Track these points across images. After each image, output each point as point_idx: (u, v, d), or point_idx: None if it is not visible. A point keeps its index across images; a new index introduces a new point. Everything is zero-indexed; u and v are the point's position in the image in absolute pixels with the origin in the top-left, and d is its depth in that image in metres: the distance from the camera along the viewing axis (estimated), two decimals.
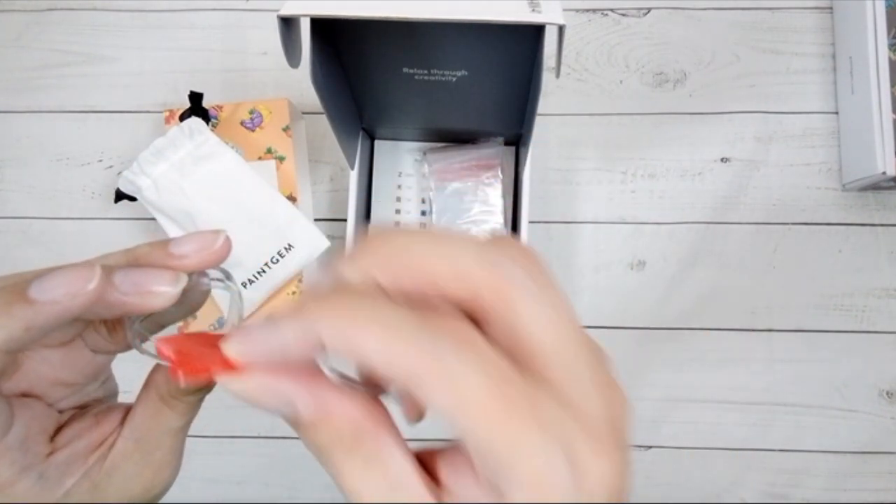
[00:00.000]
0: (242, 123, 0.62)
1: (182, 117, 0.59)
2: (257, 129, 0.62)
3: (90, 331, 0.25)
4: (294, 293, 0.61)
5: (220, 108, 0.62)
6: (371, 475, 0.19)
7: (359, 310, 0.17)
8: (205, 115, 0.60)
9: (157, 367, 0.25)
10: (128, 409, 0.25)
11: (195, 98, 0.59)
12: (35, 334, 0.21)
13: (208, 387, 0.25)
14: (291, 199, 0.61)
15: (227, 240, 0.22)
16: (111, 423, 0.25)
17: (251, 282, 0.59)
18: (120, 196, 0.60)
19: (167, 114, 0.62)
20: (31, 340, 0.21)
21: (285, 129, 0.62)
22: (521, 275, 0.18)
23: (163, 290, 0.22)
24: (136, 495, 0.25)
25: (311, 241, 0.59)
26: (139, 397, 0.25)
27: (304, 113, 0.68)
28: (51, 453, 0.24)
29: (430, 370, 0.17)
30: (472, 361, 0.17)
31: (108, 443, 0.25)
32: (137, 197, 0.59)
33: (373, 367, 0.17)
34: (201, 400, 0.26)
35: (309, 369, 0.19)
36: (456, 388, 0.17)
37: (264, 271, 0.58)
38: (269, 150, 0.62)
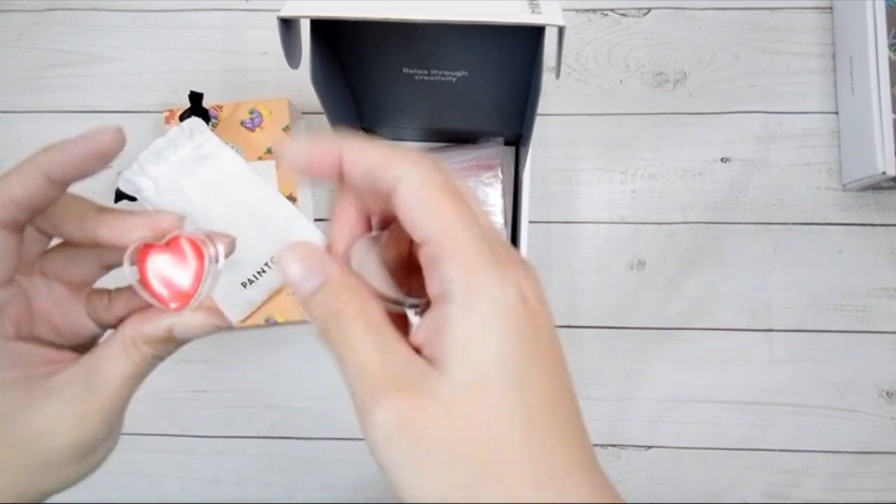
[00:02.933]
0: (242, 123, 0.62)
1: (182, 117, 0.59)
2: (257, 129, 0.62)
3: (94, 297, 0.29)
4: (294, 292, 0.61)
5: (220, 108, 0.62)
6: (368, 335, 0.22)
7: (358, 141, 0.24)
8: (205, 115, 0.60)
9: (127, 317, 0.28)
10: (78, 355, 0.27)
11: (195, 98, 0.59)
12: (67, 161, 0.25)
13: (168, 343, 0.27)
14: (291, 199, 0.61)
15: (116, 132, 0.26)
16: (68, 355, 0.27)
17: (251, 281, 0.58)
18: (120, 196, 0.60)
19: (167, 114, 0.62)
20: (65, 168, 0.25)
21: (285, 129, 0.62)
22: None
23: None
24: (63, 434, 0.25)
25: (312, 241, 0.59)
26: (104, 340, 0.27)
27: (304, 113, 0.68)
28: (12, 339, 0.26)
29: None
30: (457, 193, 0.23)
31: (57, 366, 0.26)
32: (137, 197, 0.59)
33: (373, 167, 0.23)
34: (158, 358, 0.28)
35: (331, 257, 0.24)
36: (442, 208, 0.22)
37: (264, 271, 0.58)
38: (269, 151, 0.62)
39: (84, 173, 0.26)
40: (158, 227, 0.27)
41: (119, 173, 0.68)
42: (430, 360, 0.22)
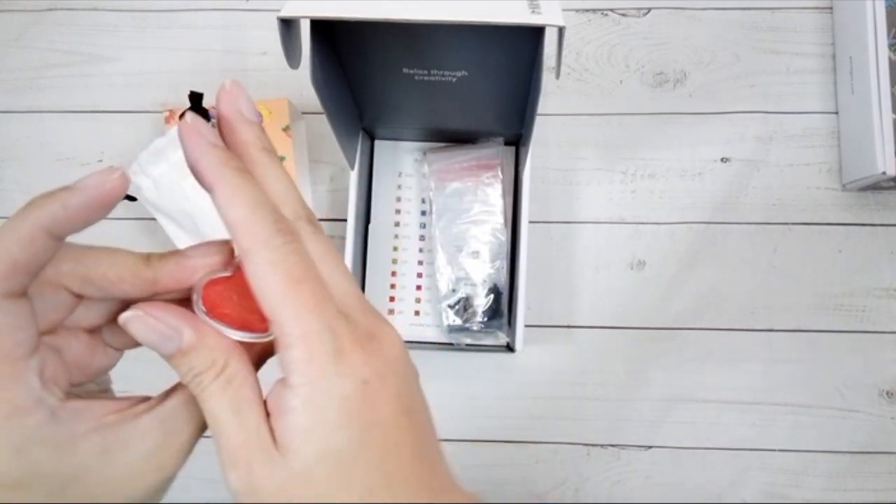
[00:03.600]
0: None
1: (182, 117, 0.59)
2: None
3: (110, 328, 0.27)
4: None
5: None
6: (225, 396, 0.23)
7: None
8: (205, 114, 0.60)
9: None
10: (138, 399, 0.26)
11: (195, 98, 0.59)
12: (72, 214, 0.23)
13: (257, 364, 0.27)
14: None
15: (123, 176, 0.24)
16: (122, 402, 0.26)
17: None
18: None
19: (167, 113, 0.62)
20: (68, 222, 0.23)
21: (285, 129, 0.62)
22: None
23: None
24: (145, 481, 0.25)
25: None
26: (176, 385, 0.26)
27: (304, 113, 0.68)
28: (65, 399, 0.24)
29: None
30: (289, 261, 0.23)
31: (125, 414, 0.25)
32: (137, 197, 0.59)
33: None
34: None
35: (189, 313, 0.24)
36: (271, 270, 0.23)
37: None
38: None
39: (88, 224, 0.24)
40: (220, 262, 0.26)
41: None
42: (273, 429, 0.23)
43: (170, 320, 0.24)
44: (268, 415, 0.23)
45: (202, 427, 0.26)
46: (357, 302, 0.25)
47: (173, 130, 0.56)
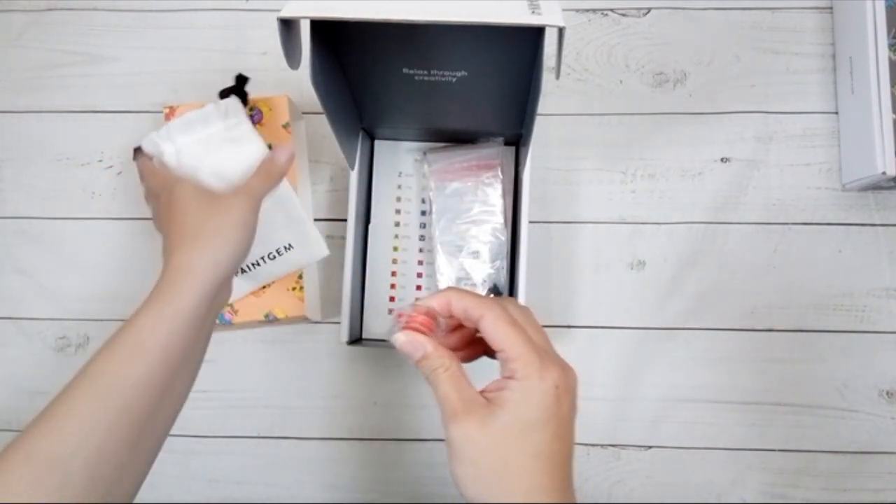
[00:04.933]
0: None
1: (223, 95, 0.56)
2: (257, 125, 0.62)
3: None
4: (294, 289, 0.61)
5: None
6: (451, 380, 0.37)
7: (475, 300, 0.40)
8: (244, 98, 0.57)
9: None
10: None
11: (241, 80, 0.57)
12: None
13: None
14: None
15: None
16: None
17: (243, 271, 0.58)
18: (139, 152, 0.57)
19: (167, 111, 0.62)
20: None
21: (285, 126, 0.62)
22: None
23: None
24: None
25: (311, 247, 0.59)
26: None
27: (304, 113, 0.68)
28: None
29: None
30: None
31: None
32: (156, 158, 0.56)
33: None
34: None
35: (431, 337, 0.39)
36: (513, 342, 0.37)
37: (259, 264, 0.58)
38: (268, 147, 0.62)
39: None
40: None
41: (119, 173, 0.68)
42: (489, 402, 0.37)
43: (420, 339, 0.39)
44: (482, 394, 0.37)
45: None
46: (549, 347, 0.40)
47: (209, 106, 0.54)
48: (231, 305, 0.61)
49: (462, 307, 0.39)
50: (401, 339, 0.39)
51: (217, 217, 0.47)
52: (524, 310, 0.41)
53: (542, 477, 0.37)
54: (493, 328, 0.38)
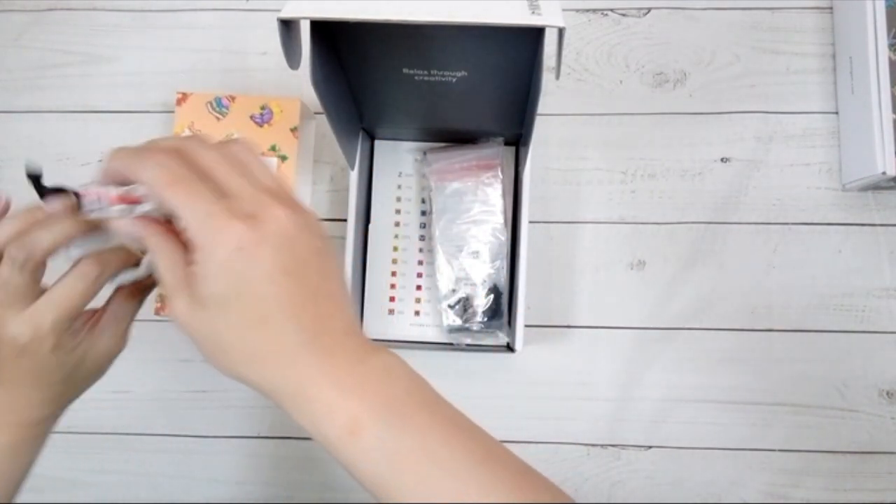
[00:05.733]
0: (252, 117, 0.62)
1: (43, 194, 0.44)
2: (265, 124, 0.62)
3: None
4: None
5: (232, 98, 0.62)
6: (168, 256, 0.34)
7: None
8: (42, 191, 0.44)
9: (119, 288, 0.42)
10: (91, 312, 0.41)
11: (34, 178, 0.44)
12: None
13: (148, 288, 0.42)
14: None
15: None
16: (89, 313, 0.41)
17: None
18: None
19: (179, 96, 0.62)
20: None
21: (293, 130, 0.62)
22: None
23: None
24: (111, 353, 0.42)
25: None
26: (111, 298, 0.42)
27: None
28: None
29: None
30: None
31: (94, 318, 0.41)
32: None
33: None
34: (141, 301, 0.42)
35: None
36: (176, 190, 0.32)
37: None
38: (272, 148, 0.62)
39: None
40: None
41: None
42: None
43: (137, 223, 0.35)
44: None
45: (132, 314, 0.42)
46: (247, 191, 0.33)
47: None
48: None
49: (117, 173, 0.35)
50: (119, 225, 0.35)
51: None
52: (221, 147, 0.35)
53: (265, 345, 0.32)
54: (155, 195, 0.32)
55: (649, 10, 0.68)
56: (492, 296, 0.61)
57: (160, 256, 0.34)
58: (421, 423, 0.34)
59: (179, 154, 0.33)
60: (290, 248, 0.32)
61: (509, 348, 0.60)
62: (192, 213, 0.31)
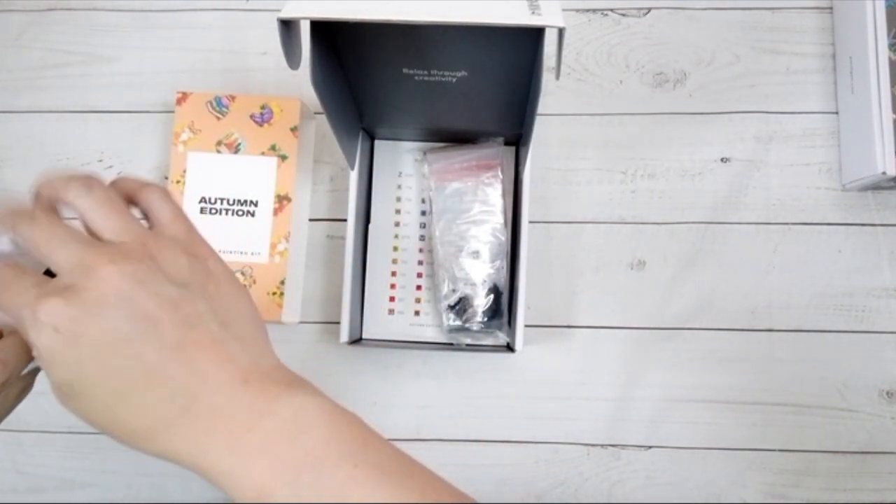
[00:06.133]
0: (252, 117, 0.62)
1: None
2: (265, 124, 0.62)
3: None
4: (274, 294, 0.61)
5: (232, 98, 0.62)
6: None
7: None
8: None
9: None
10: None
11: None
12: None
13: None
14: (286, 198, 0.61)
15: None
16: None
17: None
18: None
19: (179, 95, 0.62)
20: None
21: (293, 130, 0.62)
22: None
23: None
24: (19, 400, 0.35)
25: None
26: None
27: None
28: None
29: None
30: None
31: None
32: None
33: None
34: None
35: None
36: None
37: None
38: (272, 147, 0.62)
39: None
40: None
41: (119, 173, 0.68)
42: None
43: None
44: None
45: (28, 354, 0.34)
46: (71, 256, 0.29)
47: None
48: None
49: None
50: None
51: None
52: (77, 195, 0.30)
53: (137, 421, 0.29)
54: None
55: (649, 10, 0.68)
56: (492, 296, 0.61)
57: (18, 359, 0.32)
58: (341, 478, 0.29)
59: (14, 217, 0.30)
60: (126, 309, 0.28)
61: (509, 348, 0.60)
62: (8, 308, 0.29)
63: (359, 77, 0.53)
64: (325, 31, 0.45)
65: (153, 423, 0.29)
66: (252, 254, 0.61)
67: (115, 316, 0.28)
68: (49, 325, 0.27)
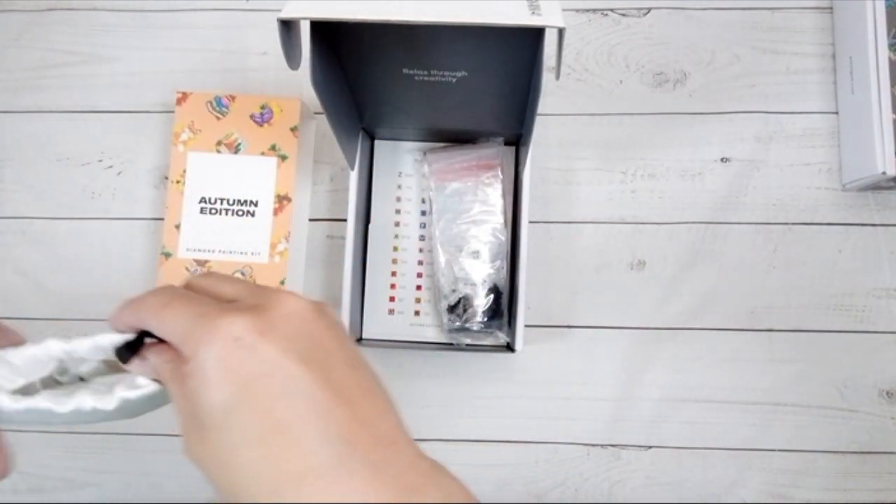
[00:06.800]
0: (252, 117, 0.62)
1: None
2: (265, 124, 0.62)
3: None
4: None
5: (232, 98, 0.62)
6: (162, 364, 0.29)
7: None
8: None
9: None
10: None
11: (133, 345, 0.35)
12: None
13: None
14: (286, 198, 0.61)
15: None
16: None
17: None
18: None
19: (179, 96, 0.62)
20: None
21: (293, 130, 0.62)
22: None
23: None
24: None
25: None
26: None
27: None
28: None
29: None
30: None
31: None
32: None
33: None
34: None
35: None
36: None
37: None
38: (272, 147, 0.62)
39: None
40: None
41: (119, 173, 0.68)
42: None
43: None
44: None
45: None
46: (251, 290, 0.29)
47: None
48: None
49: (124, 324, 0.31)
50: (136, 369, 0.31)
51: None
52: (209, 276, 0.31)
53: (285, 464, 0.25)
54: (150, 324, 0.29)
55: (649, 10, 0.68)
56: (492, 296, 0.61)
57: (165, 383, 0.29)
58: None
59: (158, 292, 0.30)
60: (307, 333, 0.27)
61: (509, 348, 0.60)
62: (181, 318, 0.27)
63: (359, 77, 0.53)
64: (325, 31, 0.45)
65: (302, 468, 0.25)
66: (252, 254, 0.61)
67: (299, 336, 0.27)
68: (230, 334, 0.26)
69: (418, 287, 0.64)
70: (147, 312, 0.29)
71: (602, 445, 0.64)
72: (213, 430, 0.26)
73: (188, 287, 0.31)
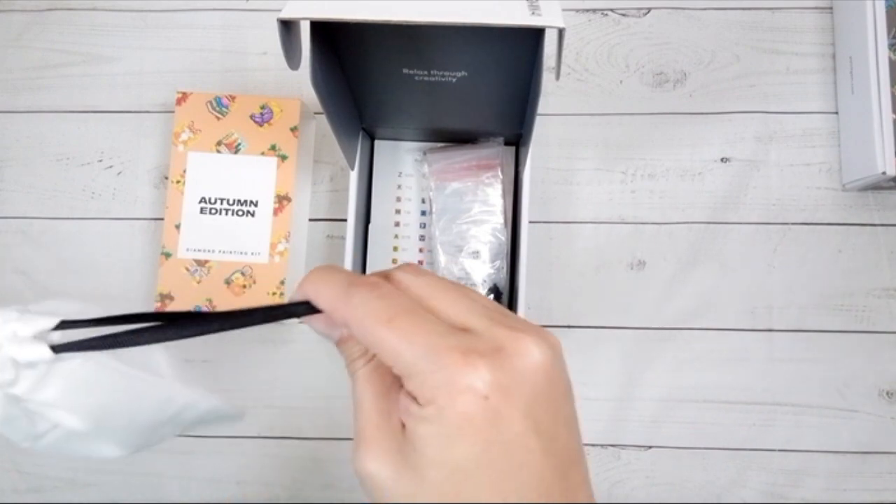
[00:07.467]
0: (252, 117, 0.62)
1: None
2: (265, 124, 0.62)
3: None
4: (274, 294, 0.61)
5: (232, 98, 0.62)
6: (370, 380, 0.27)
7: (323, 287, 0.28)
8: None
9: None
10: None
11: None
12: None
13: None
14: (286, 198, 0.61)
15: None
16: None
17: None
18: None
19: (179, 95, 0.62)
20: None
21: (293, 130, 0.62)
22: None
23: None
24: None
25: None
26: None
27: None
28: None
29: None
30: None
31: None
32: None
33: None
34: None
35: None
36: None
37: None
38: (272, 147, 0.62)
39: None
40: None
41: (119, 173, 0.68)
42: (404, 431, 0.26)
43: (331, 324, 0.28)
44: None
45: None
46: (483, 317, 0.26)
47: None
48: (210, 300, 0.61)
49: (326, 307, 0.27)
50: (312, 320, 0.29)
51: None
52: (426, 278, 0.28)
53: None
54: (363, 336, 0.26)
55: (649, 10, 0.68)
56: (492, 296, 0.61)
57: (364, 372, 0.27)
58: None
59: (391, 281, 0.27)
60: (546, 394, 0.25)
61: None
62: (409, 345, 0.24)
63: (359, 77, 0.53)
64: (325, 31, 0.45)
65: None
66: (252, 254, 0.61)
67: (539, 401, 0.25)
68: (475, 391, 0.23)
69: None
70: (368, 321, 0.25)
71: (602, 445, 0.64)
72: (422, 479, 0.24)
73: (396, 283, 0.27)
